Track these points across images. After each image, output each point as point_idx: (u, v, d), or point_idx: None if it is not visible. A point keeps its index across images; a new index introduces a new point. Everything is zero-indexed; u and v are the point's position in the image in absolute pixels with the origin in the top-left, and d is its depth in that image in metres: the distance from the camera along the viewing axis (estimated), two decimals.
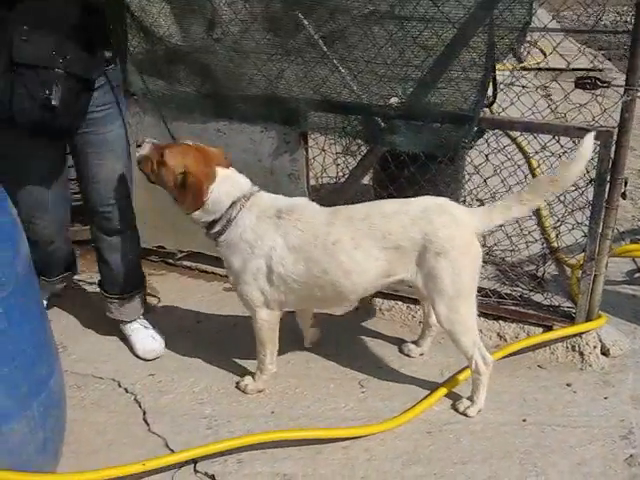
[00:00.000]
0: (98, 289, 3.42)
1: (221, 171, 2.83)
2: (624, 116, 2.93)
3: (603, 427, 2.85)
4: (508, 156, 3.36)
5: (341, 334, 3.33)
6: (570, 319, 3.31)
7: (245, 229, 2.81)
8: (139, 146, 2.88)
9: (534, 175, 3.93)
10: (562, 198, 3.37)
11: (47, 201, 3.08)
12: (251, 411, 2.97)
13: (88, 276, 3.89)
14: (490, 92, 3.12)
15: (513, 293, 3.36)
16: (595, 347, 3.24)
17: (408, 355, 3.27)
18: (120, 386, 3.15)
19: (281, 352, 3.14)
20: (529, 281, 3.52)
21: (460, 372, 3.10)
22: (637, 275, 3.92)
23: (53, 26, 2.65)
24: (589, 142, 2.63)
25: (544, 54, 6.97)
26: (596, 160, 3.00)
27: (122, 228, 3.19)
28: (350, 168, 3.59)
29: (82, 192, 3.17)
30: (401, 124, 3.18)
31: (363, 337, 3.43)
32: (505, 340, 3.37)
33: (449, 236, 2.69)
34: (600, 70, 5.18)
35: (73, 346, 3.38)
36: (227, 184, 2.83)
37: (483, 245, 3.40)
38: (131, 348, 3.36)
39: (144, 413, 2.98)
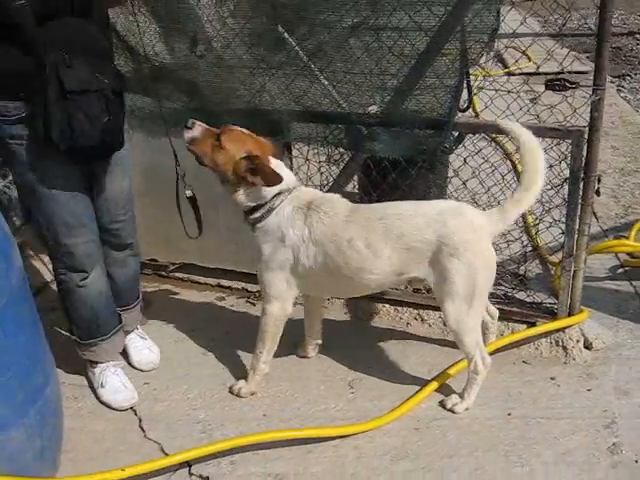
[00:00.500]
0: None
1: (274, 160, 2.96)
2: (593, 115, 3.02)
3: (586, 418, 2.93)
4: (485, 158, 3.45)
5: (331, 337, 3.40)
6: (553, 315, 3.39)
7: (282, 219, 2.93)
8: (189, 127, 2.93)
9: (517, 171, 4.02)
10: (539, 197, 3.45)
11: (85, 218, 2.97)
12: (244, 414, 3.05)
13: None
14: (465, 97, 3.21)
15: (497, 292, 3.43)
16: (578, 341, 3.32)
17: None
18: None
19: (274, 356, 3.24)
20: (512, 279, 3.60)
21: (451, 367, 3.18)
22: (620, 271, 4.01)
23: (86, 48, 2.69)
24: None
25: (529, 58, 7.12)
26: (569, 159, 3.10)
27: (129, 242, 3.24)
28: (334, 176, 3.68)
29: (95, 209, 3.07)
30: (381, 131, 3.27)
31: (352, 339, 3.51)
32: None
33: (463, 239, 2.77)
34: (572, 72, 5.27)
35: (70, 358, 3.45)
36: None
37: None
38: (127, 357, 3.43)
39: (140, 420, 3.06)
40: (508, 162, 4.56)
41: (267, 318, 3.08)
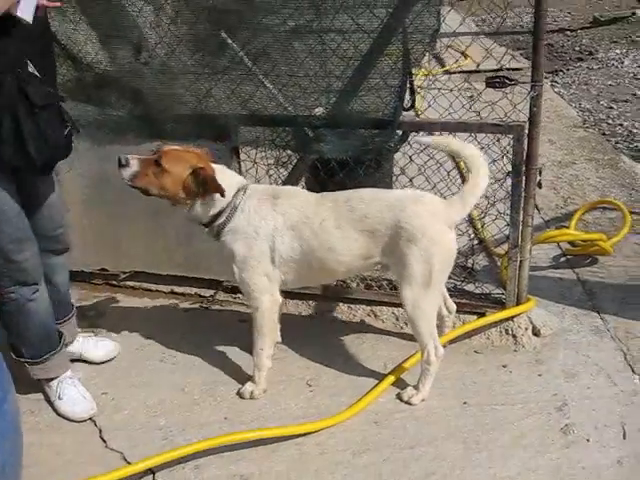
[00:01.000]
0: None
1: (215, 165, 2.99)
2: (533, 110, 3.13)
3: (539, 402, 3.04)
4: (430, 155, 3.54)
5: (287, 336, 3.43)
6: (501, 305, 3.50)
7: (250, 212, 2.97)
8: (123, 165, 2.91)
9: (460, 169, 4.12)
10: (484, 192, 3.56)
11: (29, 231, 2.93)
12: (204, 419, 3.06)
13: None
14: (408, 96, 3.29)
15: (447, 284, 3.51)
16: (527, 329, 3.44)
17: None
18: None
19: (232, 358, 3.26)
20: (460, 272, 3.70)
21: (405, 360, 3.25)
22: (562, 259, 4.15)
23: (38, 62, 2.69)
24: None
25: (465, 57, 7.30)
26: (511, 153, 3.20)
27: (68, 245, 3.22)
28: (283, 178, 3.71)
29: (31, 220, 2.99)
30: (327, 132, 3.33)
31: (308, 338, 3.54)
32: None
33: (421, 224, 2.84)
34: (511, 69, 5.43)
35: (24, 372, 3.39)
36: (227, 175, 3.02)
37: None
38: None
39: (100, 431, 3.04)
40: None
41: (260, 313, 3.09)
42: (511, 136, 3.19)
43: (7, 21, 2.51)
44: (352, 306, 3.71)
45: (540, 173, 3.24)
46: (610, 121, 6.56)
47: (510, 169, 3.27)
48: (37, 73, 2.69)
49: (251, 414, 3.07)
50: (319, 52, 3.20)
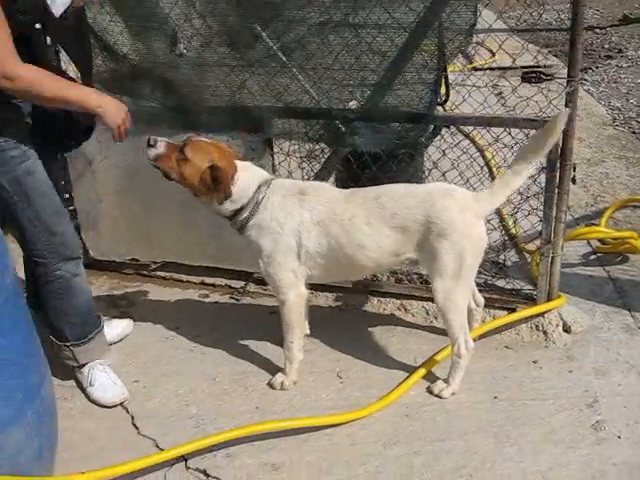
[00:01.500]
0: None
1: (239, 162, 3.03)
2: (568, 106, 3.12)
3: (569, 398, 3.02)
4: (464, 150, 3.53)
5: (317, 328, 3.45)
6: (532, 301, 3.49)
7: (274, 208, 2.99)
8: (151, 145, 2.98)
9: (489, 166, 4.12)
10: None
11: (62, 205, 3.03)
12: (236, 408, 3.09)
13: None
14: (443, 91, 3.29)
15: (477, 280, 3.51)
16: (557, 325, 3.43)
17: None
18: None
19: (261, 350, 3.27)
20: (491, 267, 3.69)
21: (437, 353, 3.25)
22: (592, 257, 4.13)
23: (74, 52, 2.90)
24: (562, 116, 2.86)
25: (492, 53, 7.25)
26: None
27: None
28: (315, 171, 3.73)
29: None
30: (361, 126, 3.34)
31: (338, 330, 3.55)
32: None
33: (451, 218, 2.85)
34: (546, 66, 5.41)
35: (56, 361, 3.44)
36: (249, 172, 3.04)
37: None
38: None
39: (132, 418, 3.07)
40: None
41: (287, 308, 3.12)
42: None
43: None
44: (382, 299, 3.72)
45: (574, 169, 3.23)
46: None
47: (544, 164, 3.25)
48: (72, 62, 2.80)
49: (282, 404, 3.09)
50: (354, 45, 3.21)
